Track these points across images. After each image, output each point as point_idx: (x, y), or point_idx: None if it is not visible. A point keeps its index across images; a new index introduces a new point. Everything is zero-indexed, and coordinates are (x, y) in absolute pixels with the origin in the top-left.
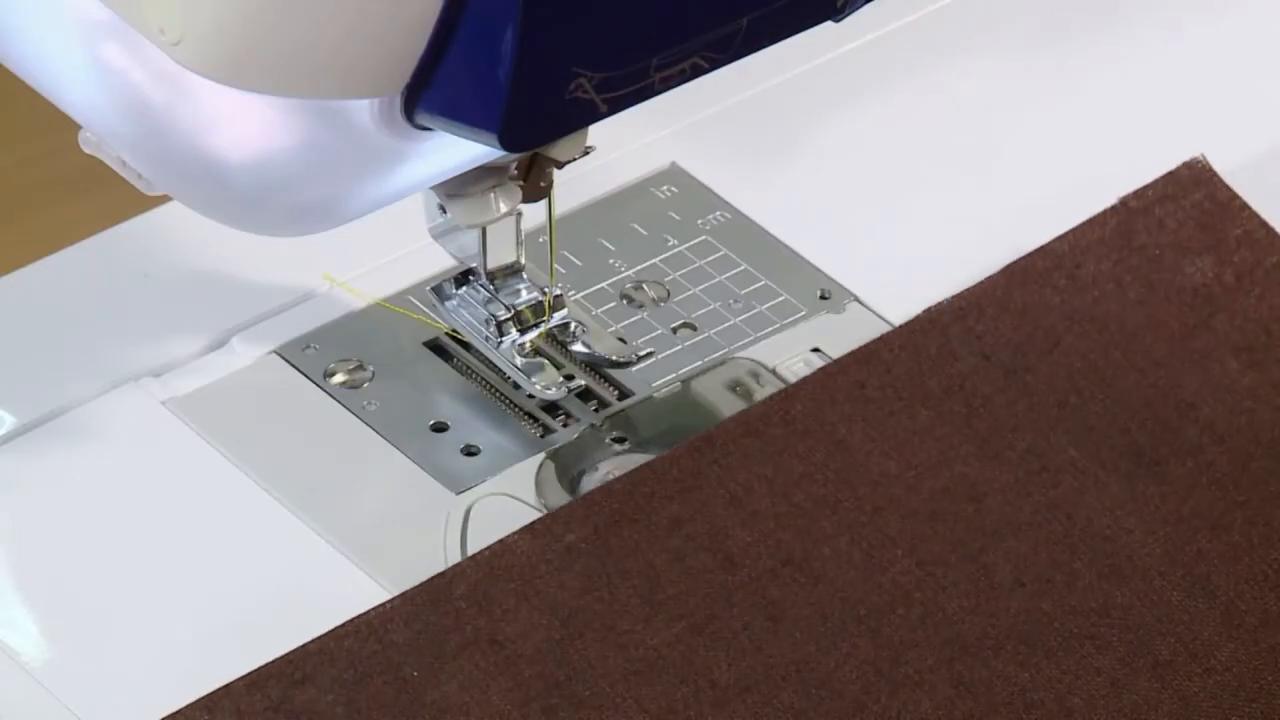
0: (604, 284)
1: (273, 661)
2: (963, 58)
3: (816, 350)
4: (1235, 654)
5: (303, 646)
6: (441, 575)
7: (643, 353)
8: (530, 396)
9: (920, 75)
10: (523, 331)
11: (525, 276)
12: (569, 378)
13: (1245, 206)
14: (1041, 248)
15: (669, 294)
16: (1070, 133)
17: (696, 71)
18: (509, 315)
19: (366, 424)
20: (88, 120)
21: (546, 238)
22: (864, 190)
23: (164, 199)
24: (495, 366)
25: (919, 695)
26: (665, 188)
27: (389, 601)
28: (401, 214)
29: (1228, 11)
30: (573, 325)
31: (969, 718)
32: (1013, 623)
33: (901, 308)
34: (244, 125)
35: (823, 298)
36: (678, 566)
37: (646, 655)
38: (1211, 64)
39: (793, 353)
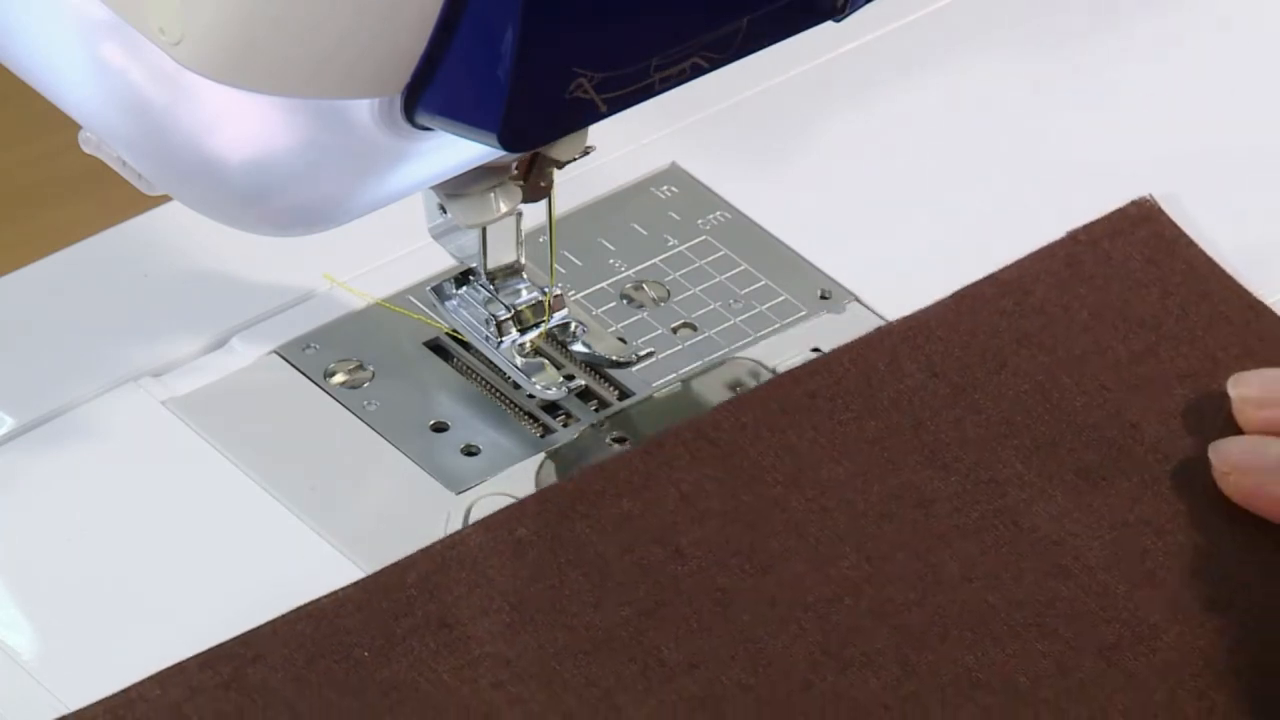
0: (604, 284)
1: (226, 641)
2: (963, 58)
3: (816, 350)
4: (1181, 635)
5: (255, 628)
6: (394, 565)
7: (643, 353)
8: (530, 396)
9: (920, 75)
10: (523, 331)
11: (525, 276)
12: (569, 378)
13: (1191, 244)
14: (990, 276)
15: (669, 294)
16: (1070, 133)
17: (696, 71)
18: (509, 315)
19: (366, 424)
20: (88, 120)
21: (546, 238)
22: (864, 190)
23: (164, 199)
24: (495, 366)
25: (866, 675)
26: (665, 188)
27: (342, 589)
28: (401, 214)
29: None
30: (573, 325)
31: (915, 696)
32: (960, 613)
33: (901, 308)
34: (244, 125)
35: (823, 298)
36: (627, 557)
37: (595, 636)
38: (1215, 64)
39: (793, 353)
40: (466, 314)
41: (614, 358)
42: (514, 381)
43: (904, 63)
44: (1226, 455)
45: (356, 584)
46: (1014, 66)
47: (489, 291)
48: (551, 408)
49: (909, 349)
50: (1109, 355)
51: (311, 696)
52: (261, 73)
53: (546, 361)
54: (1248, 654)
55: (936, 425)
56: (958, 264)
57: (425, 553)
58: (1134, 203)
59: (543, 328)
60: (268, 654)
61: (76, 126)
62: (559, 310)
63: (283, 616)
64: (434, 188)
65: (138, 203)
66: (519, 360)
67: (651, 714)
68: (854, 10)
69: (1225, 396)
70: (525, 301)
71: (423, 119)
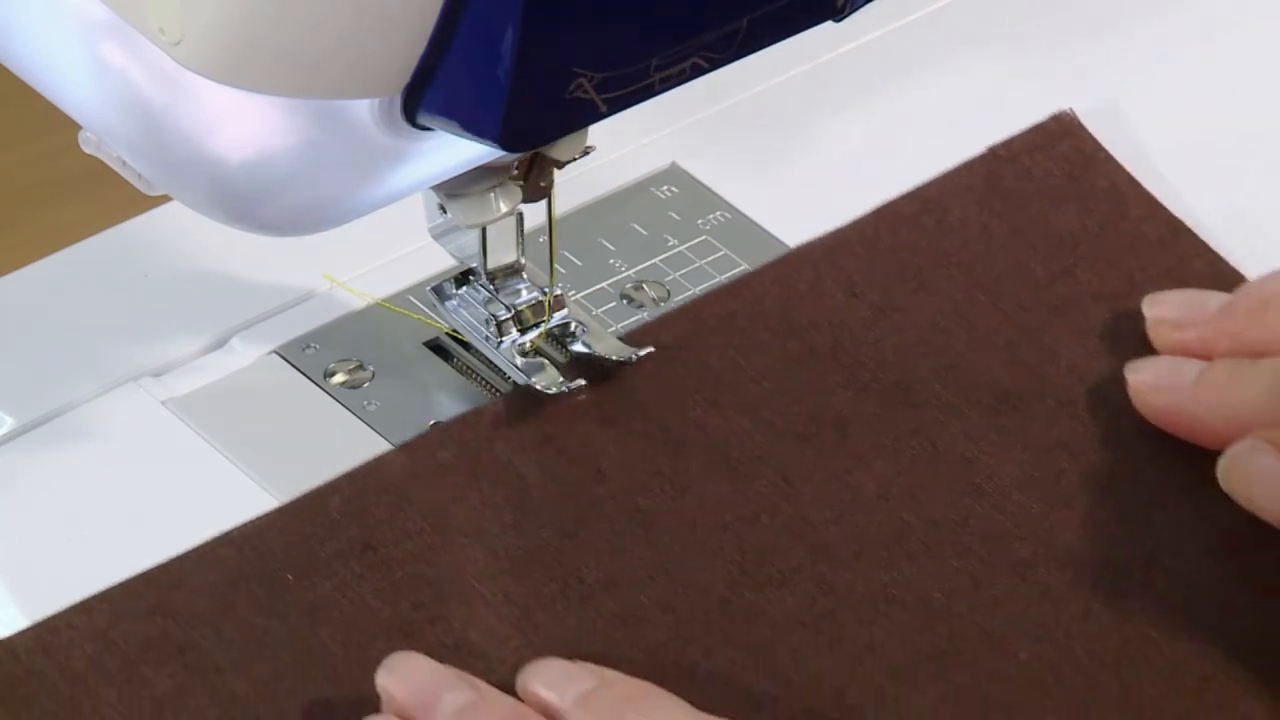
0: (604, 284)
1: (149, 569)
2: (963, 58)
3: None
4: (1097, 553)
5: (179, 555)
6: (316, 490)
7: (642, 353)
8: None
9: (920, 75)
10: (523, 331)
11: (525, 276)
12: (569, 378)
13: (1111, 159)
14: (910, 192)
15: (669, 294)
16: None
17: (696, 71)
18: (509, 315)
19: (366, 424)
20: (88, 120)
21: (546, 238)
22: (864, 190)
23: (164, 199)
24: (495, 366)
25: (783, 594)
26: (665, 188)
27: (264, 515)
28: (401, 214)
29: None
30: (573, 325)
31: (832, 613)
32: (876, 532)
33: None
34: (244, 125)
35: None
36: (548, 479)
37: (515, 555)
38: (1215, 64)
39: None
40: (466, 314)
41: (614, 358)
42: (514, 381)
43: (904, 63)
44: (1142, 375)
45: (279, 509)
46: (1014, 66)
47: (489, 291)
48: None
49: (830, 267)
50: (1027, 276)
51: (235, 619)
52: (261, 73)
53: (546, 361)
54: (1162, 569)
55: (855, 346)
56: None
57: (348, 477)
58: (1054, 117)
59: (543, 328)
60: (191, 579)
61: (76, 126)
62: (559, 310)
63: (206, 543)
64: (434, 188)
65: (138, 203)
66: (519, 360)
67: (570, 632)
68: (854, 10)
69: (1142, 318)
70: (525, 301)
71: (423, 119)
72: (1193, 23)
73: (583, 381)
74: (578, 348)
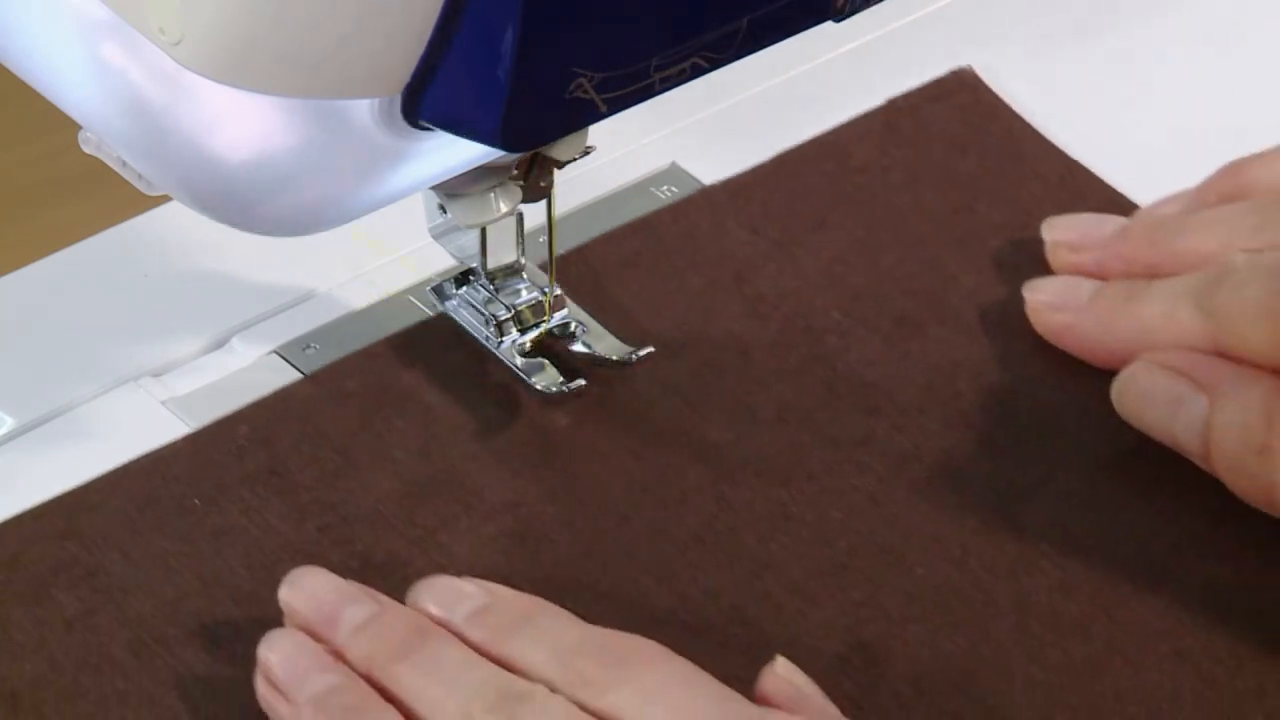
0: None
1: (58, 495)
2: (963, 58)
3: None
4: (993, 472)
5: (88, 482)
6: (224, 418)
7: (642, 353)
8: None
9: (920, 75)
10: (523, 331)
11: (525, 276)
12: (569, 378)
13: (1009, 110)
14: (810, 140)
15: None
16: (1072, 134)
17: (696, 71)
18: (509, 315)
19: None
20: (88, 120)
21: (546, 238)
22: None
23: (164, 199)
24: (498, 362)
25: (683, 511)
26: (665, 188)
27: (173, 442)
28: (401, 214)
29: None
30: (573, 325)
31: (731, 530)
32: (775, 452)
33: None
34: (244, 125)
35: None
36: (453, 405)
37: (418, 478)
38: (1216, 64)
39: None
40: (466, 314)
41: (614, 358)
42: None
43: (904, 63)
44: (1040, 294)
45: (187, 437)
46: (1015, 67)
47: (489, 291)
48: None
49: (732, 209)
50: (926, 212)
51: (143, 543)
52: (261, 73)
53: (546, 361)
54: (1056, 486)
55: (756, 279)
56: None
57: (256, 406)
58: (952, 72)
59: (543, 328)
60: (101, 504)
61: (76, 126)
62: (559, 310)
63: (115, 469)
64: (434, 188)
65: (138, 203)
66: (519, 360)
67: (472, 550)
68: (854, 11)
69: (1040, 244)
70: (525, 301)
71: (423, 119)
72: (1192, 23)
73: (583, 382)
74: (578, 348)
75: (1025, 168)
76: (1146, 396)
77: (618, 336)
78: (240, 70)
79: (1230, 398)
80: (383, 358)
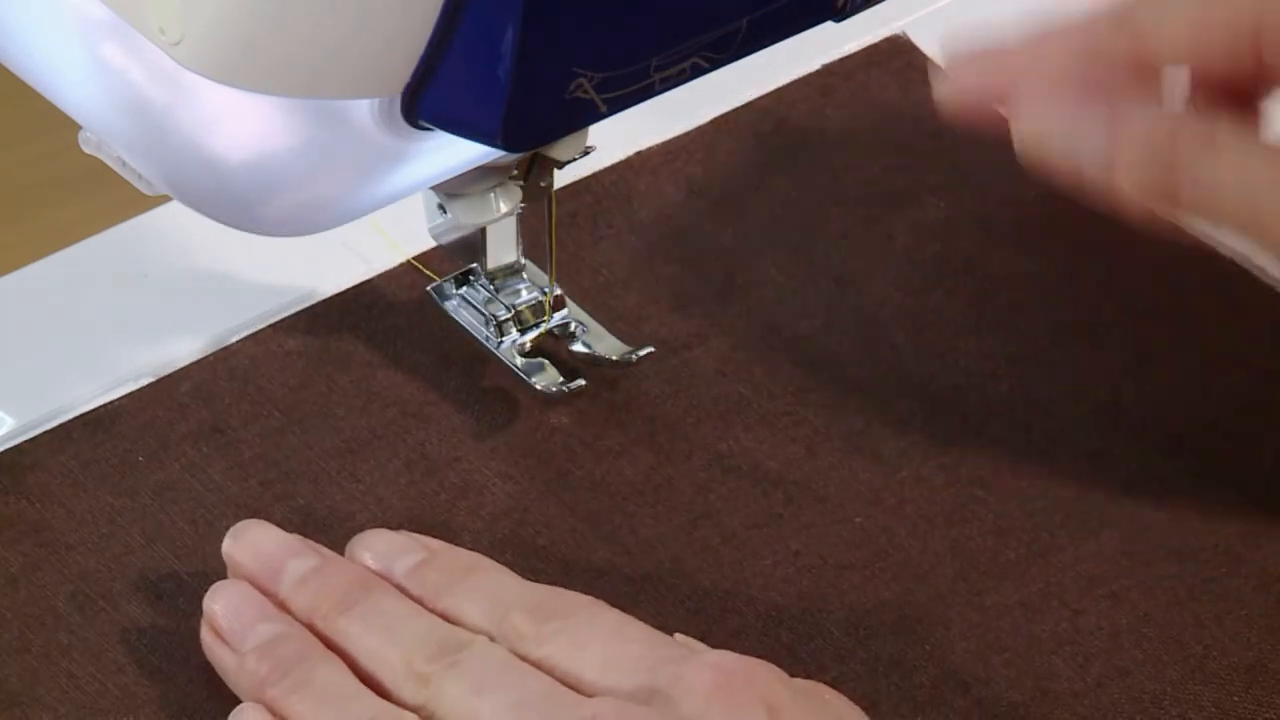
0: None
1: (3, 450)
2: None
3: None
4: (927, 418)
5: (32, 438)
6: (167, 376)
7: (642, 353)
8: None
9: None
10: (523, 331)
11: (525, 276)
12: (569, 378)
13: (944, 75)
14: (746, 104)
15: None
16: None
17: (696, 71)
18: (509, 315)
19: None
20: (88, 120)
21: (546, 238)
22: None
23: (164, 199)
24: (498, 360)
25: (621, 464)
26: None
27: (116, 399)
28: (402, 214)
29: None
30: (573, 325)
31: (669, 481)
32: (713, 404)
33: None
34: (244, 125)
35: None
36: (394, 365)
37: (360, 435)
38: None
39: None
40: (466, 314)
41: (614, 358)
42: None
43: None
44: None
45: (130, 394)
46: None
47: (489, 291)
48: None
49: (669, 171)
50: (863, 171)
51: (87, 499)
52: (261, 73)
53: (546, 361)
54: (988, 433)
55: (695, 237)
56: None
57: (198, 364)
58: (887, 38)
59: (543, 328)
60: (45, 461)
61: (76, 126)
62: (559, 310)
63: (59, 425)
64: (434, 188)
65: (138, 203)
66: (519, 360)
67: (413, 505)
68: (854, 11)
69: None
70: (525, 301)
71: (423, 119)
72: None
73: (583, 382)
74: (578, 348)
75: (963, 130)
76: (1047, 133)
77: (616, 336)
78: (240, 70)
79: (1133, 113)
80: (324, 316)
